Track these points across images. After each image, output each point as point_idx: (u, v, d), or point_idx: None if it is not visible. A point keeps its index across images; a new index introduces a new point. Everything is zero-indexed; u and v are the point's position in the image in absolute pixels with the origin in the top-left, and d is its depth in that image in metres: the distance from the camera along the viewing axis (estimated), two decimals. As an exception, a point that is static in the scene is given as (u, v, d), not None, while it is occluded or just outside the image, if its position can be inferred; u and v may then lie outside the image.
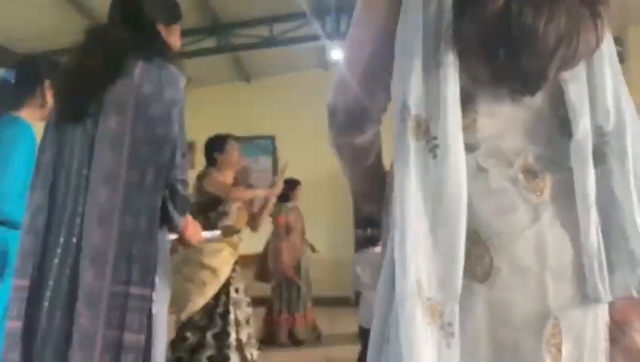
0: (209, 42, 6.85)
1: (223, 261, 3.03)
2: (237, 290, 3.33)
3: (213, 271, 2.98)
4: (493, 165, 0.89)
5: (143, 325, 1.44)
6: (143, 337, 1.44)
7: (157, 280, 1.54)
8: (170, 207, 1.56)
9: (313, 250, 5.76)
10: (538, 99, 0.95)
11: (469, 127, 0.90)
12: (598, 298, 0.86)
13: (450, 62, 0.85)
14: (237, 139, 3.69)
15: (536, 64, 0.87)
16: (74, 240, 1.50)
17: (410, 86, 0.86)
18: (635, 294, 0.87)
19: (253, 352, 3.21)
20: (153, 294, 1.53)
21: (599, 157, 0.91)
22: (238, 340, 3.18)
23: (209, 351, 3.00)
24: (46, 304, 1.49)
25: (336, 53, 7.56)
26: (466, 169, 0.84)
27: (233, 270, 3.21)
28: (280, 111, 8.39)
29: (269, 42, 6.90)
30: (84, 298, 1.44)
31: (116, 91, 1.53)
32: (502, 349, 0.84)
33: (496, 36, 0.84)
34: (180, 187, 1.58)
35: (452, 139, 0.83)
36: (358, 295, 4.18)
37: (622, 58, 6.49)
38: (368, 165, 1.11)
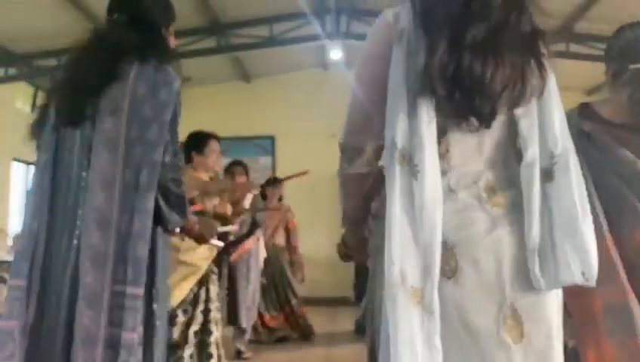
0: (209, 42, 6.86)
1: (200, 256, 3.04)
2: (207, 290, 3.35)
3: (191, 266, 2.99)
4: (461, 187, 1.18)
5: (136, 324, 1.46)
6: (136, 335, 1.46)
7: (157, 279, 1.57)
8: (165, 207, 1.58)
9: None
10: (497, 131, 1.22)
11: (443, 155, 1.18)
12: (539, 287, 1.13)
13: (426, 106, 1.14)
14: (218, 139, 3.57)
15: (487, 104, 1.15)
16: (75, 242, 1.52)
17: (397, 126, 1.14)
18: (578, 282, 1.12)
19: (222, 353, 3.23)
20: (154, 292, 1.56)
21: (549, 175, 1.18)
22: (218, 340, 3.22)
23: (190, 349, 3.01)
24: (51, 306, 1.52)
25: (336, 53, 7.57)
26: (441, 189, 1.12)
27: (211, 270, 3.22)
28: (280, 111, 8.40)
29: (269, 42, 6.90)
30: (85, 298, 1.46)
31: (112, 94, 1.55)
32: (467, 327, 1.12)
33: (454, 84, 1.12)
34: (172, 186, 1.59)
35: (429, 165, 1.11)
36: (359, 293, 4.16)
37: (622, 58, 6.50)
38: (365, 193, 1.38)
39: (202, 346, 3.07)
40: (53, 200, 1.59)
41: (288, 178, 3.69)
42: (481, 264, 1.14)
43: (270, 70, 8.47)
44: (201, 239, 1.91)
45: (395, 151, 1.15)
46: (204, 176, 3.39)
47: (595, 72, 8.25)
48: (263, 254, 5.04)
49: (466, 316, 1.12)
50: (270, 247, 5.34)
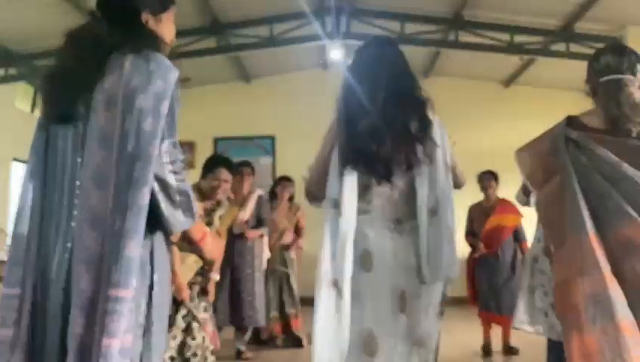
0: (209, 42, 6.86)
1: (187, 268, 3.02)
2: (191, 298, 3.34)
3: (176, 275, 2.95)
4: (378, 220, 1.97)
5: (118, 329, 1.35)
6: (116, 342, 1.35)
7: (155, 281, 1.49)
8: (164, 204, 1.46)
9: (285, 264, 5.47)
10: (402, 185, 1.98)
11: (369, 202, 1.98)
12: (425, 280, 1.91)
13: (348, 170, 1.94)
14: (231, 170, 3.44)
15: (382, 169, 1.94)
16: (69, 245, 1.45)
17: (332, 186, 1.95)
18: (449, 280, 1.97)
19: (208, 356, 3.22)
20: (153, 295, 1.48)
21: (435, 211, 1.94)
22: (185, 346, 3.22)
23: (170, 352, 3.01)
24: (47, 313, 1.44)
25: (336, 53, 7.57)
26: (365, 222, 1.94)
27: (197, 274, 3.21)
28: (280, 111, 8.39)
29: (269, 42, 6.90)
30: (78, 305, 1.37)
31: (105, 88, 1.45)
32: (375, 300, 1.90)
33: (359, 155, 1.94)
34: (172, 179, 1.47)
35: (348, 208, 1.90)
36: None
37: (622, 58, 6.50)
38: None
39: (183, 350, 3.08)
40: (45, 202, 1.51)
41: None
42: (386, 264, 1.94)
43: (270, 70, 8.47)
44: (207, 256, 1.72)
45: (330, 200, 1.95)
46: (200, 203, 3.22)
47: (595, 71, 8.19)
48: (267, 255, 5.02)
49: (376, 293, 1.92)
50: (277, 250, 5.28)
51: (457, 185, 2.18)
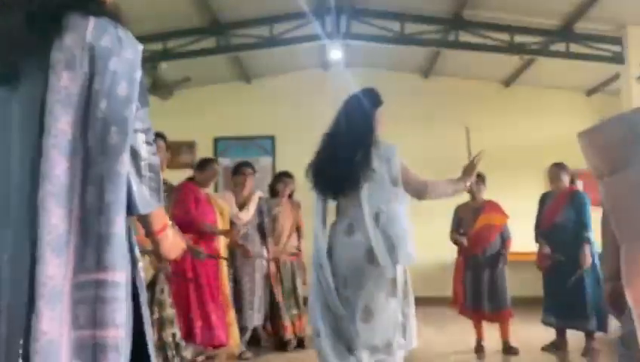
0: (209, 42, 6.86)
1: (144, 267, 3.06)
2: (162, 291, 3.37)
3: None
4: (340, 226, 2.88)
5: (122, 317, 1.21)
6: (123, 332, 1.21)
7: (137, 257, 1.34)
8: (132, 177, 1.28)
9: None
10: (354, 198, 2.82)
11: (337, 213, 2.96)
12: (380, 263, 2.67)
13: (321, 191, 2.99)
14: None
15: (332, 188, 2.98)
16: (20, 224, 1.22)
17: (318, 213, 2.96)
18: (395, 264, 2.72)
19: (182, 352, 3.23)
20: (138, 278, 1.33)
21: (377, 218, 2.73)
22: (160, 340, 3.22)
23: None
24: (5, 309, 1.20)
25: (336, 53, 7.56)
26: (334, 229, 2.92)
27: (159, 270, 3.23)
28: (280, 111, 8.39)
29: (269, 42, 6.89)
30: (44, 296, 1.15)
31: (66, 46, 1.27)
32: (336, 281, 2.79)
33: (317, 178, 3.00)
34: (143, 151, 1.31)
35: (319, 220, 2.95)
36: None
37: (622, 58, 6.49)
38: None
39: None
40: None
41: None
42: (345, 255, 2.78)
43: (270, 70, 8.46)
44: (163, 253, 1.44)
45: (319, 214, 2.95)
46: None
47: (595, 72, 8.28)
48: (270, 253, 5.01)
49: (334, 275, 2.78)
50: (285, 252, 5.25)
51: (418, 194, 2.87)
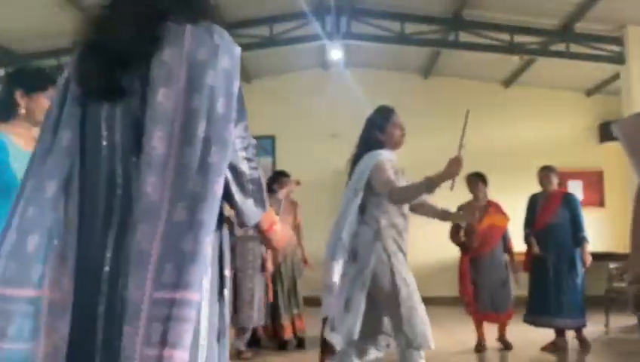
0: (209, 42, 6.85)
1: None
2: None
3: None
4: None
5: (189, 338, 1.16)
6: (187, 355, 1.16)
7: (226, 277, 1.35)
8: (237, 194, 1.30)
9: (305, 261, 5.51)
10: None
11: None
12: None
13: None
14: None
15: None
16: (111, 239, 1.24)
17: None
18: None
19: None
20: (224, 294, 1.35)
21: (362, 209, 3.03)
22: None
23: None
24: (100, 322, 1.20)
25: (336, 53, 7.57)
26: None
27: None
28: (280, 111, 8.39)
29: (269, 42, 6.90)
30: (127, 310, 1.15)
31: (164, 61, 1.25)
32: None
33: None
34: (245, 167, 1.31)
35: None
36: None
37: (622, 58, 6.50)
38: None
39: None
40: (82, 189, 1.29)
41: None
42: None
43: (270, 70, 8.47)
44: (274, 245, 1.50)
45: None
46: None
47: (595, 71, 8.28)
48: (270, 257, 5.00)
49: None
50: (287, 253, 5.22)
51: (394, 200, 2.91)
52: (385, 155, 3.02)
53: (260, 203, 1.35)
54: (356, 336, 2.88)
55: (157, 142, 1.20)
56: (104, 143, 1.28)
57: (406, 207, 3.04)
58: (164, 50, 1.25)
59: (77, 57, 1.36)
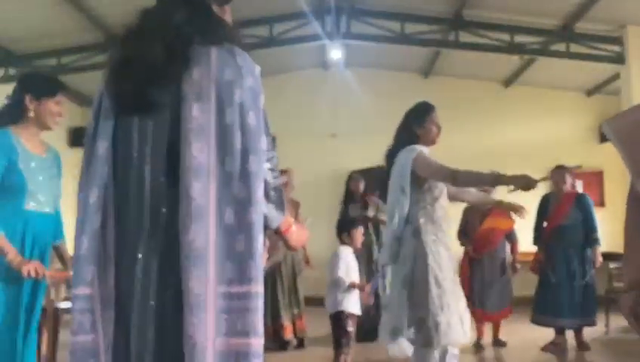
0: (209, 42, 6.85)
1: None
2: None
3: None
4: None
5: (261, 327, 1.34)
6: (262, 341, 1.33)
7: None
8: (264, 201, 1.44)
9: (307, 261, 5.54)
10: None
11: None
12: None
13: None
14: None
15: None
16: (157, 242, 1.36)
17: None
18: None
19: None
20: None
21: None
22: None
23: None
24: (134, 314, 1.34)
25: (336, 53, 7.57)
26: None
27: None
28: (280, 111, 8.37)
29: (269, 42, 6.90)
30: (189, 304, 1.28)
31: (194, 80, 1.38)
32: None
33: None
34: (269, 177, 1.46)
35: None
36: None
37: (622, 58, 6.50)
38: None
39: None
40: (119, 195, 1.41)
41: None
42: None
43: (270, 70, 8.45)
44: (292, 245, 1.64)
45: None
46: None
47: (595, 72, 8.28)
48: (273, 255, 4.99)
49: None
50: (286, 252, 5.14)
51: (459, 182, 2.91)
52: (423, 150, 3.06)
53: (280, 207, 1.51)
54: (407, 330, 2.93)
55: (197, 151, 1.34)
56: (135, 154, 1.41)
57: (445, 200, 3.05)
58: (193, 69, 1.39)
59: (109, 74, 1.48)
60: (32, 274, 2.25)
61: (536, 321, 4.97)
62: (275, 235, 1.59)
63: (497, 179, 2.86)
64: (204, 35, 1.44)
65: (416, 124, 3.16)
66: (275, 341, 5.12)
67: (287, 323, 5.07)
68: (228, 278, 1.31)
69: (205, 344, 1.26)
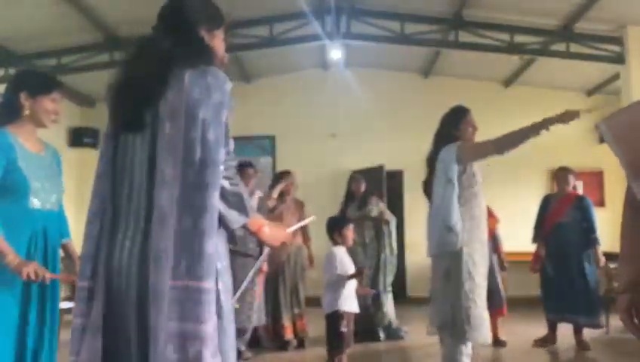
0: (209, 42, 6.85)
1: None
2: None
3: None
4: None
5: (210, 316, 1.52)
6: (210, 327, 1.52)
7: (219, 269, 1.63)
8: (221, 205, 1.61)
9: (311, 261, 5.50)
10: None
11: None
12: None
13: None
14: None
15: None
16: (137, 243, 1.60)
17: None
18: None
19: None
20: (219, 287, 1.63)
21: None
22: None
23: None
24: (120, 306, 1.59)
25: (336, 53, 7.57)
26: None
27: None
28: (280, 111, 8.39)
29: (269, 42, 6.89)
30: (151, 297, 1.52)
31: (169, 100, 1.60)
32: None
33: None
34: (226, 184, 1.63)
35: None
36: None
37: (622, 58, 6.49)
38: None
39: None
40: (116, 204, 1.66)
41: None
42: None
43: (270, 70, 8.47)
44: (268, 243, 1.83)
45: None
46: None
47: (595, 71, 8.28)
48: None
49: None
50: (290, 252, 5.19)
51: (502, 148, 3.02)
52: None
53: (242, 211, 1.67)
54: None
55: (167, 165, 1.56)
56: (127, 168, 1.66)
57: (483, 198, 3.17)
58: (168, 92, 1.60)
59: (109, 97, 1.72)
60: (32, 276, 2.22)
61: (550, 319, 5.04)
62: (252, 234, 1.77)
63: (541, 125, 2.91)
64: (186, 60, 1.64)
65: (453, 127, 3.34)
66: (275, 341, 5.13)
67: (287, 323, 5.07)
68: (182, 274, 1.51)
69: (160, 330, 1.49)
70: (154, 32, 1.78)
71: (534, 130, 2.92)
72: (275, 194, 5.19)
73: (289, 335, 5.07)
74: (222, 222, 1.64)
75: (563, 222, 4.95)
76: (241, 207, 1.67)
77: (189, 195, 1.54)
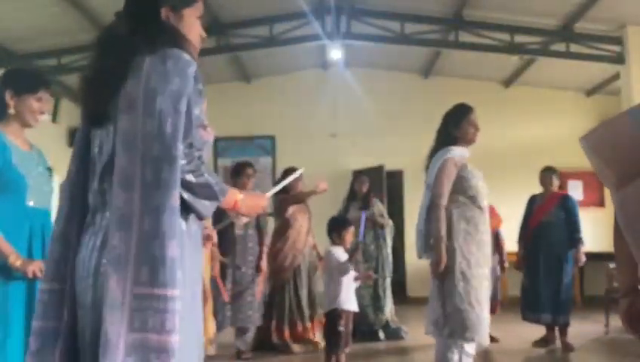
0: (209, 42, 6.83)
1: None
2: None
3: None
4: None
5: (173, 326, 1.39)
6: (173, 338, 1.38)
7: (185, 278, 1.50)
8: (190, 199, 1.50)
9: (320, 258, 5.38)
10: None
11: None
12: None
13: None
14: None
15: None
16: (97, 244, 1.49)
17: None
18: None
19: None
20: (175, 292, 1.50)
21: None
22: None
23: None
24: (85, 308, 1.48)
25: (336, 53, 7.56)
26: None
27: None
28: (280, 111, 8.39)
29: (269, 42, 6.90)
30: (107, 303, 1.39)
31: (127, 92, 1.46)
32: None
33: None
34: (191, 178, 1.50)
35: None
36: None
37: (622, 58, 6.49)
38: None
39: None
40: (86, 203, 1.56)
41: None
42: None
43: (270, 70, 8.47)
44: (246, 215, 1.78)
45: None
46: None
47: (595, 71, 8.28)
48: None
49: None
50: (304, 253, 5.14)
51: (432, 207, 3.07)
52: (455, 152, 3.13)
53: (213, 198, 1.55)
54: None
55: (125, 162, 1.43)
56: (97, 163, 1.55)
57: (484, 201, 3.12)
58: (127, 82, 1.47)
59: (79, 92, 1.63)
60: (38, 274, 2.21)
61: (523, 318, 5.12)
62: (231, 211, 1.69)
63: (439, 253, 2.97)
64: (145, 45, 1.49)
65: (454, 126, 3.22)
66: (301, 342, 5.03)
67: (307, 323, 5.04)
68: (143, 281, 1.39)
69: (116, 341, 1.36)
70: (116, 18, 1.63)
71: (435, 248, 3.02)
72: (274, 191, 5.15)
73: (311, 334, 5.01)
74: (197, 215, 1.56)
75: (546, 221, 4.98)
76: (210, 195, 1.54)
77: (148, 195, 1.41)
